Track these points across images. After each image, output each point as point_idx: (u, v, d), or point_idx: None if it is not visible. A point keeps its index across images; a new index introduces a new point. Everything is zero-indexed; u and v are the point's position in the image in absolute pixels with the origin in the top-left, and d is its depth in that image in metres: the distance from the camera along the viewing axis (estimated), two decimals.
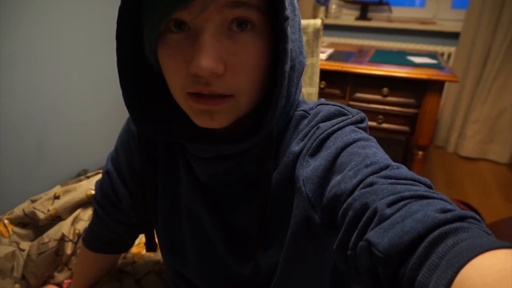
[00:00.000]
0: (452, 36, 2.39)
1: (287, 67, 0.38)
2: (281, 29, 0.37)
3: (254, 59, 0.38)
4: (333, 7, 2.67)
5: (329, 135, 0.43)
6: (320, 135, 0.43)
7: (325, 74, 1.56)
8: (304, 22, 1.25)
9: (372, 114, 1.58)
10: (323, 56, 1.60)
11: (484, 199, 1.96)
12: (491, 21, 2.18)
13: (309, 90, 1.35)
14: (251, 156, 0.46)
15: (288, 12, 0.37)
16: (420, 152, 1.55)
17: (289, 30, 0.37)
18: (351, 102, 1.60)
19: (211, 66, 0.35)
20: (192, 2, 0.35)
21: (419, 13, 2.53)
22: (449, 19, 2.45)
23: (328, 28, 2.67)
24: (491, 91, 2.27)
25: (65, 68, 1.41)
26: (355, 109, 0.48)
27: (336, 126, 0.44)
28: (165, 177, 0.55)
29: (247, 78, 0.39)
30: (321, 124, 0.45)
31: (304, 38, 1.27)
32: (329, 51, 1.72)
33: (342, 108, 0.47)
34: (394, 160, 0.39)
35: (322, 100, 0.51)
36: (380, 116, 1.58)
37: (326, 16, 2.61)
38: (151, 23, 0.38)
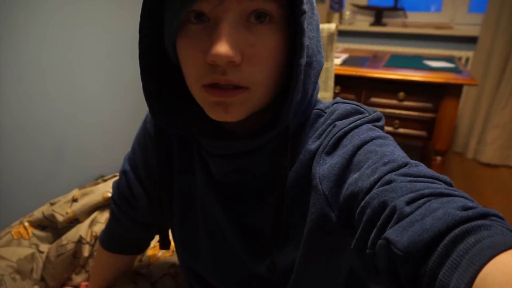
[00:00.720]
0: (469, 41, 2.35)
1: (303, 61, 0.39)
2: (298, 22, 0.38)
3: (271, 52, 0.39)
4: (347, 13, 2.67)
5: (346, 133, 0.43)
6: (336, 133, 0.43)
7: (339, 79, 1.55)
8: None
9: (388, 119, 1.56)
10: (337, 61, 1.59)
11: (507, 206, 1.90)
12: (509, 25, 2.14)
13: (324, 94, 1.34)
14: (267, 153, 0.46)
15: (305, 6, 0.37)
16: (438, 158, 1.52)
17: (306, 24, 0.38)
18: None
19: (228, 54, 0.35)
20: None
21: (435, 18, 2.50)
22: (466, 24, 2.41)
23: (342, 34, 2.66)
24: (510, 95, 2.22)
25: (81, 74, 1.44)
26: (372, 108, 0.47)
27: (352, 124, 0.44)
28: (180, 176, 0.56)
29: (264, 70, 0.39)
30: (338, 122, 0.45)
31: None
32: (344, 56, 1.71)
33: (359, 106, 0.47)
34: None
35: (338, 98, 0.51)
36: (396, 121, 1.56)
37: (340, 22, 2.61)
38: (171, 14, 0.39)
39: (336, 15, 2.56)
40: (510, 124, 2.26)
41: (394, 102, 1.54)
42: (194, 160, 0.54)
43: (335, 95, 1.59)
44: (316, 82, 0.47)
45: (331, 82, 1.32)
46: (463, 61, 2.37)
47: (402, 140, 1.65)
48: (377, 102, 1.57)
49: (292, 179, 0.46)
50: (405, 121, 1.55)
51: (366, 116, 0.45)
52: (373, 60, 1.77)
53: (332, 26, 1.24)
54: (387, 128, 1.58)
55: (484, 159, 2.37)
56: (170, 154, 0.56)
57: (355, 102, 0.48)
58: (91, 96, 1.51)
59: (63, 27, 1.34)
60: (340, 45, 2.62)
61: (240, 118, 0.41)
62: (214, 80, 0.38)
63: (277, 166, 0.45)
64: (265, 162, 0.47)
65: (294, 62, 0.39)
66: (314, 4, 0.43)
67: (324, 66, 1.31)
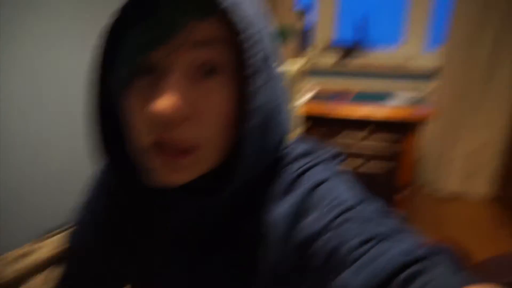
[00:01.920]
0: (429, 76, 2.48)
1: (255, 122, 0.37)
2: (247, 84, 0.36)
3: (222, 108, 0.37)
4: (315, 51, 2.77)
5: (302, 173, 0.42)
6: (293, 173, 0.43)
7: (307, 117, 1.57)
8: (285, 66, 1.28)
9: (355, 155, 1.59)
10: (305, 99, 1.63)
11: (472, 236, 1.94)
12: (468, 59, 2.27)
13: (292, 133, 1.35)
14: (221, 205, 0.44)
15: (256, 67, 0.36)
16: (404, 192, 1.54)
17: (257, 85, 0.36)
18: (334, 144, 1.61)
19: (173, 108, 0.33)
20: (163, 44, 0.34)
21: (397, 55, 2.63)
22: (425, 60, 2.55)
23: (310, 71, 2.74)
24: (469, 127, 2.32)
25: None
26: (329, 146, 0.47)
27: (310, 164, 0.43)
28: (133, 227, 0.53)
29: (214, 128, 0.37)
30: (294, 162, 0.44)
31: (285, 82, 1.30)
32: (311, 94, 1.75)
33: (316, 145, 0.47)
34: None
35: (297, 137, 0.50)
36: (363, 156, 1.58)
37: (308, 61, 2.69)
38: (119, 66, 0.37)
39: (304, 54, 2.65)
40: (471, 155, 2.36)
41: (360, 137, 1.58)
42: (148, 210, 0.51)
43: (303, 132, 1.61)
44: (281, 136, 0.45)
45: (298, 121, 1.34)
46: (425, 94, 2.48)
47: (369, 175, 1.67)
48: (344, 138, 1.60)
49: (248, 226, 0.44)
50: (371, 156, 1.58)
51: (323, 155, 0.45)
52: (340, 97, 1.82)
53: (297, 65, 1.27)
54: (354, 164, 1.60)
55: (447, 190, 2.44)
56: (122, 204, 0.53)
57: (313, 140, 0.48)
58: (44, 145, 1.43)
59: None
60: (308, 83, 2.69)
61: (188, 180, 0.39)
62: (158, 139, 0.36)
63: (233, 216, 0.44)
64: (220, 213, 0.45)
65: (245, 124, 0.37)
66: (275, 57, 0.42)
67: (291, 104, 1.33)
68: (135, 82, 0.37)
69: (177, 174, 0.37)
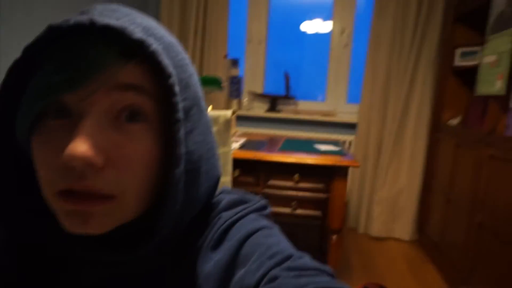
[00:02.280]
0: (350, 127, 2.69)
1: (179, 171, 0.35)
2: (171, 131, 0.35)
3: (143, 156, 0.34)
4: (245, 100, 2.86)
5: (231, 225, 0.41)
6: (221, 225, 0.41)
7: (238, 163, 1.58)
8: (215, 113, 1.29)
9: (286, 200, 1.61)
10: (236, 145, 1.64)
11: (397, 278, 2.03)
12: (379, 114, 2.52)
13: (223, 179, 1.34)
14: (145, 258, 0.40)
15: (180, 114, 0.34)
16: (334, 236, 1.58)
17: (181, 133, 0.35)
18: (265, 190, 1.62)
19: (87, 154, 0.30)
20: (80, 86, 0.31)
21: (321, 106, 2.83)
22: (347, 112, 2.77)
23: (241, 119, 2.81)
24: (388, 174, 2.52)
25: None
26: (257, 196, 0.47)
27: (238, 215, 0.42)
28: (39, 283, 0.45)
29: (133, 176, 0.34)
30: (223, 214, 0.42)
31: (216, 128, 1.30)
32: (242, 140, 1.78)
33: (244, 195, 0.46)
34: (311, 246, 0.38)
35: (224, 187, 0.49)
36: (294, 202, 1.61)
37: (238, 108, 2.77)
38: (27, 105, 0.33)
39: (235, 102, 2.72)
40: (390, 199, 2.54)
41: (290, 183, 1.61)
42: (57, 265, 0.44)
43: (235, 178, 1.60)
44: (212, 188, 0.44)
45: (230, 167, 1.33)
46: (347, 144, 2.67)
47: (300, 221, 1.69)
48: (275, 184, 1.62)
49: (174, 281, 0.41)
50: (301, 202, 1.61)
51: (251, 206, 0.44)
52: (270, 144, 1.87)
53: (228, 113, 1.29)
54: (285, 210, 1.62)
55: (373, 233, 2.56)
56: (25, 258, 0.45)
57: (240, 191, 0.47)
58: None
59: None
60: (239, 129, 2.75)
61: (104, 231, 0.34)
62: (68, 186, 0.32)
63: (157, 268, 0.40)
64: (142, 266, 0.41)
65: (170, 172, 0.35)
66: (202, 104, 0.41)
67: (222, 151, 1.32)
68: (45, 124, 0.33)
69: (90, 224, 0.33)
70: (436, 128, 2.35)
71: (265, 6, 2.81)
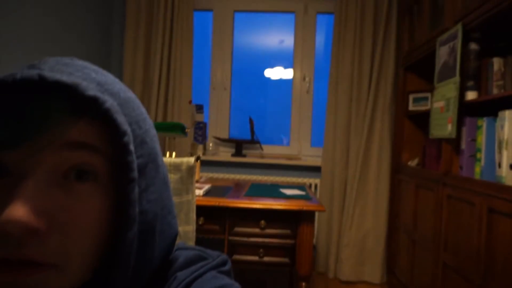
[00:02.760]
0: (315, 170, 2.72)
1: (132, 233, 0.33)
2: (125, 191, 0.33)
3: (91, 218, 0.32)
4: (210, 144, 2.85)
5: (188, 285, 0.38)
6: (180, 284, 0.38)
7: (203, 210, 1.53)
8: (178, 160, 1.26)
9: (253, 248, 1.56)
10: (200, 192, 1.60)
11: None
12: (342, 157, 2.58)
13: (186, 228, 1.29)
14: None
15: (134, 174, 0.33)
16: (304, 283, 1.54)
17: (135, 192, 0.33)
18: (230, 237, 1.57)
19: (25, 219, 0.27)
20: (23, 144, 0.29)
21: (286, 150, 2.87)
22: (311, 155, 2.82)
23: (206, 164, 2.78)
24: (354, 216, 2.54)
25: None
26: (216, 252, 0.44)
27: (195, 274, 0.39)
28: None
29: (81, 242, 0.31)
30: (178, 274, 0.39)
31: (178, 175, 1.27)
32: (207, 186, 1.74)
33: (202, 251, 0.43)
34: None
35: (180, 243, 0.46)
36: (261, 250, 1.56)
37: (204, 153, 2.74)
38: None
39: (200, 147, 2.70)
40: (357, 242, 2.54)
41: (257, 230, 1.57)
42: None
43: (199, 226, 1.55)
44: (168, 247, 0.41)
45: (193, 215, 1.29)
46: (313, 187, 2.69)
47: (268, 266, 1.64)
48: (241, 231, 1.58)
49: None
50: (269, 249, 1.57)
51: (210, 263, 0.41)
52: (235, 189, 1.84)
53: (191, 159, 1.27)
54: (252, 258, 1.57)
55: (343, 277, 2.53)
56: None
57: (197, 247, 0.45)
58: None
59: None
60: (204, 175, 2.71)
61: None
62: (4, 255, 0.28)
63: None
64: None
65: (120, 235, 0.33)
66: (159, 160, 0.39)
67: (186, 199, 1.28)
68: None
69: None
70: (397, 169, 2.44)
71: (228, 53, 2.91)
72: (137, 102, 0.39)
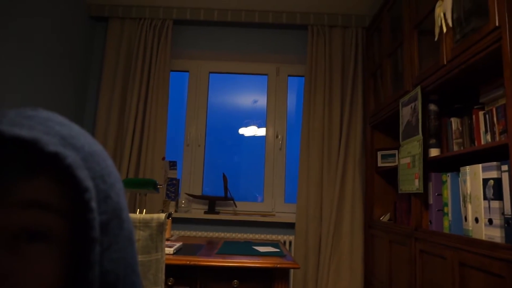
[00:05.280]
0: (289, 226, 2.70)
1: None
2: (83, 252, 0.31)
3: (44, 283, 0.30)
4: (183, 201, 2.79)
5: None
6: None
7: (173, 270, 1.46)
8: (148, 216, 1.23)
9: None
10: (170, 250, 1.54)
11: None
12: (316, 213, 2.58)
13: None
14: None
15: (95, 233, 0.31)
16: None
17: (95, 252, 0.31)
18: None
19: None
20: None
21: (260, 207, 2.84)
22: (285, 212, 2.81)
23: (178, 221, 2.70)
24: (329, 273, 2.48)
25: None
26: None
27: None
28: None
29: None
30: None
31: (148, 233, 1.22)
32: (178, 244, 1.68)
33: None
34: None
35: None
36: None
37: (176, 210, 2.68)
38: None
39: (172, 203, 2.64)
40: None
41: None
42: None
43: (168, 287, 1.47)
44: None
45: (162, 275, 1.23)
46: (287, 244, 2.64)
47: None
48: None
49: None
50: None
51: None
52: (207, 247, 1.78)
53: (162, 216, 1.24)
54: None
55: None
56: None
57: None
58: None
59: None
60: (176, 232, 2.62)
61: None
62: None
63: None
64: None
65: None
66: (124, 215, 0.37)
67: (155, 257, 1.23)
68: None
69: None
70: (370, 224, 2.45)
71: (203, 111, 2.97)
72: (104, 154, 0.37)
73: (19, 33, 2.07)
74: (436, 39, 1.61)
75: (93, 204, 0.31)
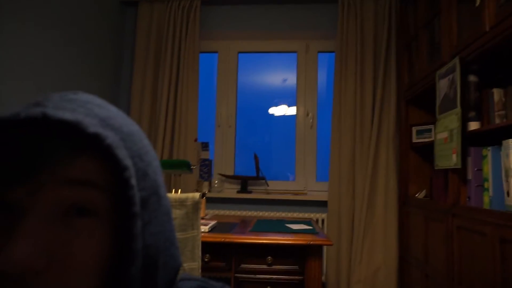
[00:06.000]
0: (321, 204, 2.69)
1: (135, 269, 0.33)
2: (126, 225, 0.33)
3: (93, 254, 0.32)
4: (215, 181, 2.85)
5: None
6: None
7: (208, 247, 1.51)
8: (183, 195, 1.27)
9: (260, 284, 1.52)
10: (205, 228, 1.59)
11: None
12: (349, 191, 2.56)
13: (191, 265, 1.26)
14: None
15: (136, 208, 0.33)
16: None
17: (138, 227, 0.33)
18: (237, 274, 1.54)
19: (26, 260, 0.27)
20: (26, 180, 0.30)
21: (292, 186, 2.85)
22: (317, 190, 2.80)
23: (212, 201, 2.77)
24: (363, 250, 2.48)
25: None
26: (220, 283, 0.44)
27: None
28: None
29: (82, 279, 0.31)
30: None
31: (184, 211, 1.26)
32: (212, 223, 1.73)
33: (205, 282, 0.43)
34: None
35: (184, 274, 0.46)
36: (268, 287, 1.52)
37: (209, 190, 2.74)
38: None
39: (205, 183, 2.70)
40: (369, 278, 2.45)
41: (263, 267, 1.54)
42: None
43: (205, 263, 1.52)
44: (172, 279, 0.41)
45: (199, 251, 1.27)
46: (320, 222, 2.64)
47: None
48: (247, 268, 1.55)
49: None
50: (276, 286, 1.52)
51: None
52: (241, 225, 1.82)
53: (196, 195, 1.27)
54: None
55: None
56: None
57: (201, 278, 0.44)
58: None
59: None
60: (210, 211, 2.69)
61: None
62: None
63: None
64: None
65: (122, 271, 0.33)
66: (161, 192, 0.39)
67: (191, 235, 1.27)
68: None
69: None
70: (405, 202, 2.40)
71: (233, 91, 2.98)
72: (141, 134, 0.39)
73: (48, 20, 2.14)
74: (477, 4, 1.51)
75: (133, 181, 0.33)
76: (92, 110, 0.35)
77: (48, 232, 0.30)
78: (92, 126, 0.31)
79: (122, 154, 0.33)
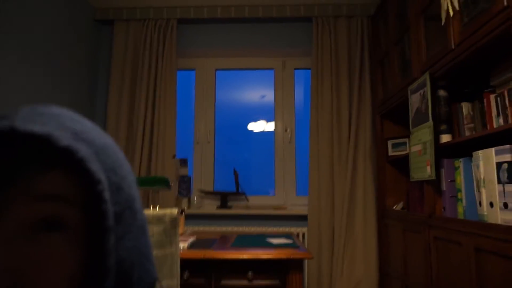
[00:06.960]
0: (302, 218, 2.70)
1: (108, 284, 0.32)
2: (99, 241, 0.32)
3: (61, 271, 0.31)
4: (195, 198, 2.82)
5: None
6: None
7: (188, 264, 1.48)
8: (161, 212, 1.25)
9: None
10: (184, 244, 1.56)
11: None
12: (328, 204, 2.58)
13: (170, 282, 1.23)
14: None
15: (110, 222, 0.32)
16: None
17: (111, 242, 0.32)
18: None
19: None
20: None
21: (272, 201, 2.85)
22: (297, 204, 2.81)
23: (191, 217, 2.73)
24: (344, 264, 2.48)
25: None
26: None
27: None
28: None
29: None
30: None
31: (161, 228, 1.24)
32: (192, 239, 1.70)
33: None
34: None
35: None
36: None
37: (189, 207, 2.70)
38: None
39: (184, 200, 2.67)
40: None
41: (244, 282, 1.52)
42: None
43: (184, 281, 1.49)
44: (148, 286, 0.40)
45: (177, 268, 1.24)
46: (300, 236, 2.64)
47: None
48: (228, 284, 1.52)
49: None
50: None
51: None
52: (221, 241, 1.80)
53: (174, 211, 1.25)
54: None
55: None
56: None
57: None
58: None
59: None
60: (190, 228, 2.64)
61: None
62: None
63: None
64: None
65: (96, 287, 0.32)
66: (136, 206, 0.38)
67: (169, 251, 1.25)
68: None
69: None
70: (383, 214, 2.44)
71: (211, 108, 2.99)
72: (115, 148, 0.38)
73: (24, 39, 2.11)
74: (443, 23, 1.59)
75: (106, 195, 0.32)
76: (63, 123, 0.34)
77: (14, 250, 0.29)
78: (64, 139, 0.31)
79: (95, 167, 0.32)
